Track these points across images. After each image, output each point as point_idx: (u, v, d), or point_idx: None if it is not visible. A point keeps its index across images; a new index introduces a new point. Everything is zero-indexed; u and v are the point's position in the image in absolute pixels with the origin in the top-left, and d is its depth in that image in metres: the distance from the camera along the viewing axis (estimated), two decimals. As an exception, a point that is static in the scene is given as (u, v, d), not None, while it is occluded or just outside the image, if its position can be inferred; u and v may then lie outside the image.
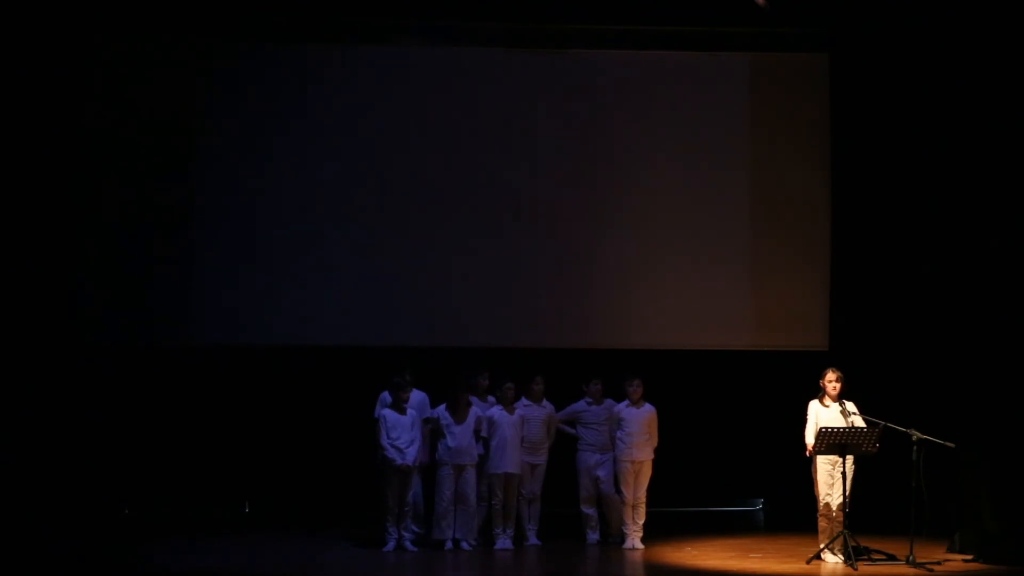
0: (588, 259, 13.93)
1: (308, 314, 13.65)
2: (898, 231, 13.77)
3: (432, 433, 11.76)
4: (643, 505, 11.96)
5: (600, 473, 12.07)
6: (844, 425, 11.06)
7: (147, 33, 13.65)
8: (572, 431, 12.20)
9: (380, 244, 13.77)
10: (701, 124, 14.04)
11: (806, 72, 14.14)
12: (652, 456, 11.98)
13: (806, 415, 11.33)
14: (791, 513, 13.06)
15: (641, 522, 11.96)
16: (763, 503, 14.48)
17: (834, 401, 11.25)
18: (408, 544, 11.59)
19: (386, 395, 11.90)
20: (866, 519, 11.52)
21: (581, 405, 12.20)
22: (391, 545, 11.55)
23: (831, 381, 11.26)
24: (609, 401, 12.13)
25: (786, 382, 12.81)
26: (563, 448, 12.25)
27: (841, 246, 14.01)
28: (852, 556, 10.83)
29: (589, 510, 12.15)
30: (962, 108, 13.36)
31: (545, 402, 12.19)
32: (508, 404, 11.90)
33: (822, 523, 11.29)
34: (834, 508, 11.19)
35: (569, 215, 13.92)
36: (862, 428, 11.02)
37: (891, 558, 11.02)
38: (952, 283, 13.41)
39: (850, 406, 11.23)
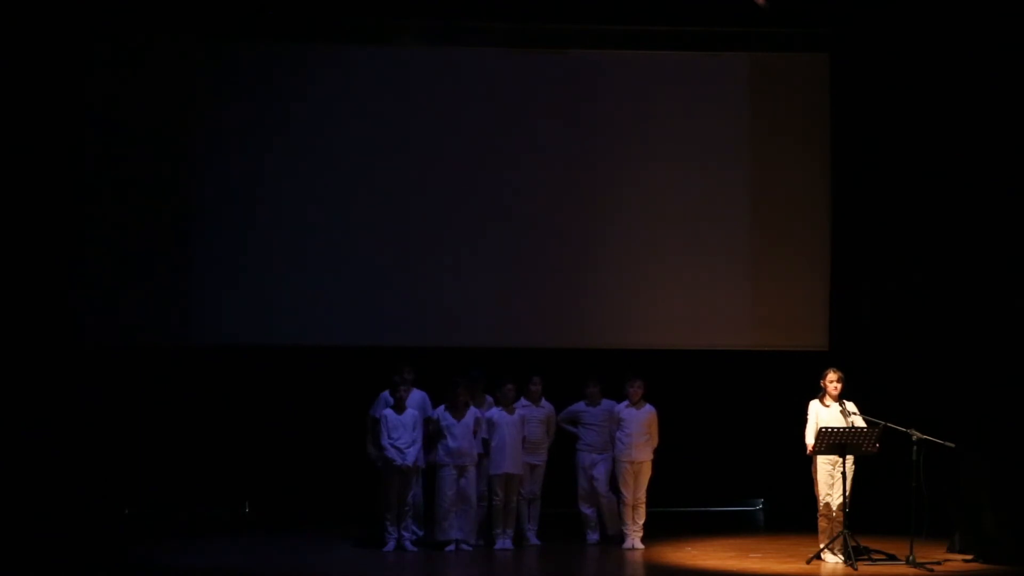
0: (588, 259, 13.93)
1: (308, 314, 13.65)
2: (898, 231, 13.77)
3: (432, 434, 11.75)
4: (643, 505, 11.96)
5: (594, 472, 12.07)
6: (844, 425, 11.05)
7: (145, 33, 13.65)
8: (573, 429, 12.20)
9: (380, 244, 13.77)
10: (701, 124, 14.03)
11: (806, 72, 14.13)
12: (651, 457, 11.97)
13: (806, 415, 11.33)
14: (791, 513, 13.06)
15: (641, 522, 11.95)
16: (763, 503, 14.47)
17: (835, 401, 11.25)
18: (408, 544, 11.58)
19: (387, 395, 11.90)
20: (866, 519, 11.51)
21: (580, 406, 12.20)
22: (391, 545, 11.54)
23: (832, 381, 11.24)
24: (608, 402, 12.12)
25: (786, 382, 12.81)
26: (562, 448, 12.25)
27: (841, 246, 14.01)
28: (852, 556, 10.83)
29: (588, 510, 12.16)
30: (962, 108, 13.36)
31: (544, 402, 12.19)
32: (508, 404, 11.89)
33: (822, 523, 11.28)
34: (834, 508, 11.18)
35: (569, 215, 13.92)
36: (862, 428, 11.02)
37: (891, 558, 11.01)
38: (952, 283, 13.41)
39: (850, 406, 11.22)
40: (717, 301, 13.92)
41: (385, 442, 11.55)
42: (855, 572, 10.69)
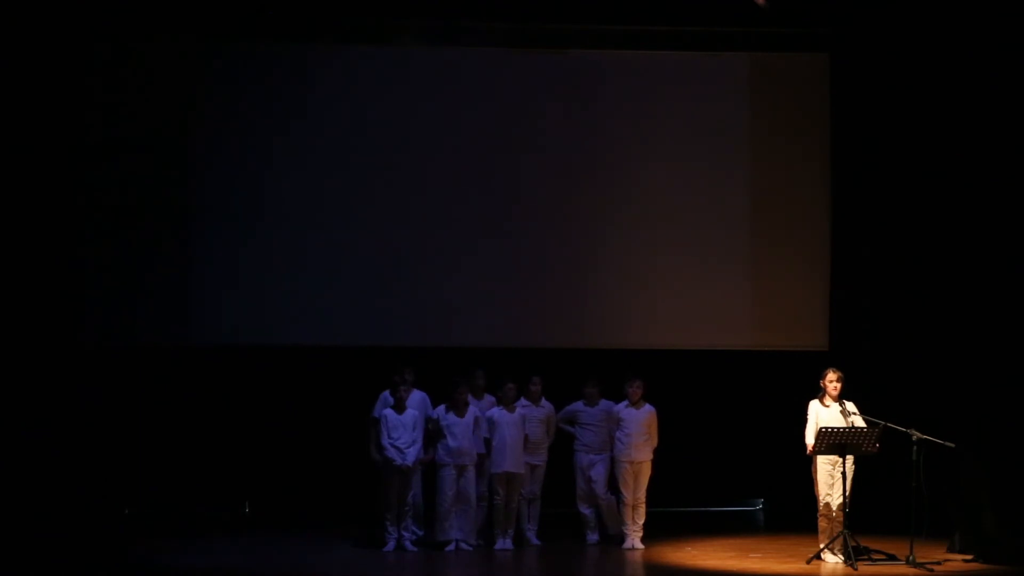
0: (588, 259, 13.93)
1: (308, 314, 13.65)
2: (898, 231, 13.77)
3: (431, 434, 11.75)
4: (643, 505, 11.96)
5: (592, 473, 12.07)
6: (844, 425, 11.05)
7: (146, 34, 13.65)
8: (571, 429, 12.20)
9: (380, 244, 13.77)
10: (701, 124, 14.03)
11: (806, 72, 14.13)
12: (651, 457, 11.97)
13: (806, 415, 11.33)
14: (791, 513, 13.06)
15: (641, 522, 11.96)
16: (763, 503, 14.47)
17: (835, 401, 11.25)
18: (408, 544, 11.59)
19: (387, 395, 11.91)
20: (866, 519, 11.52)
21: (578, 406, 12.20)
22: (391, 545, 11.55)
23: (832, 381, 11.24)
24: (606, 403, 12.12)
25: (786, 382, 12.81)
26: (562, 448, 12.25)
27: (841, 246, 14.01)
28: (852, 556, 10.83)
29: (586, 510, 12.16)
30: (962, 108, 13.37)
31: (544, 402, 12.19)
32: (509, 404, 11.89)
33: (822, 523, 11.28)
34: (834, 508, 11.18)
35: (569, 215, 13.92)
36: (862, 428, 11.02)
37: (891, 558, 11.02)
38: (952, 283, 13.41)
39: (850, 406, 11.22)
40: (717, 301, 13.92)
41: (385, 442, 11.56)
42: (855, 572, 10.69)
